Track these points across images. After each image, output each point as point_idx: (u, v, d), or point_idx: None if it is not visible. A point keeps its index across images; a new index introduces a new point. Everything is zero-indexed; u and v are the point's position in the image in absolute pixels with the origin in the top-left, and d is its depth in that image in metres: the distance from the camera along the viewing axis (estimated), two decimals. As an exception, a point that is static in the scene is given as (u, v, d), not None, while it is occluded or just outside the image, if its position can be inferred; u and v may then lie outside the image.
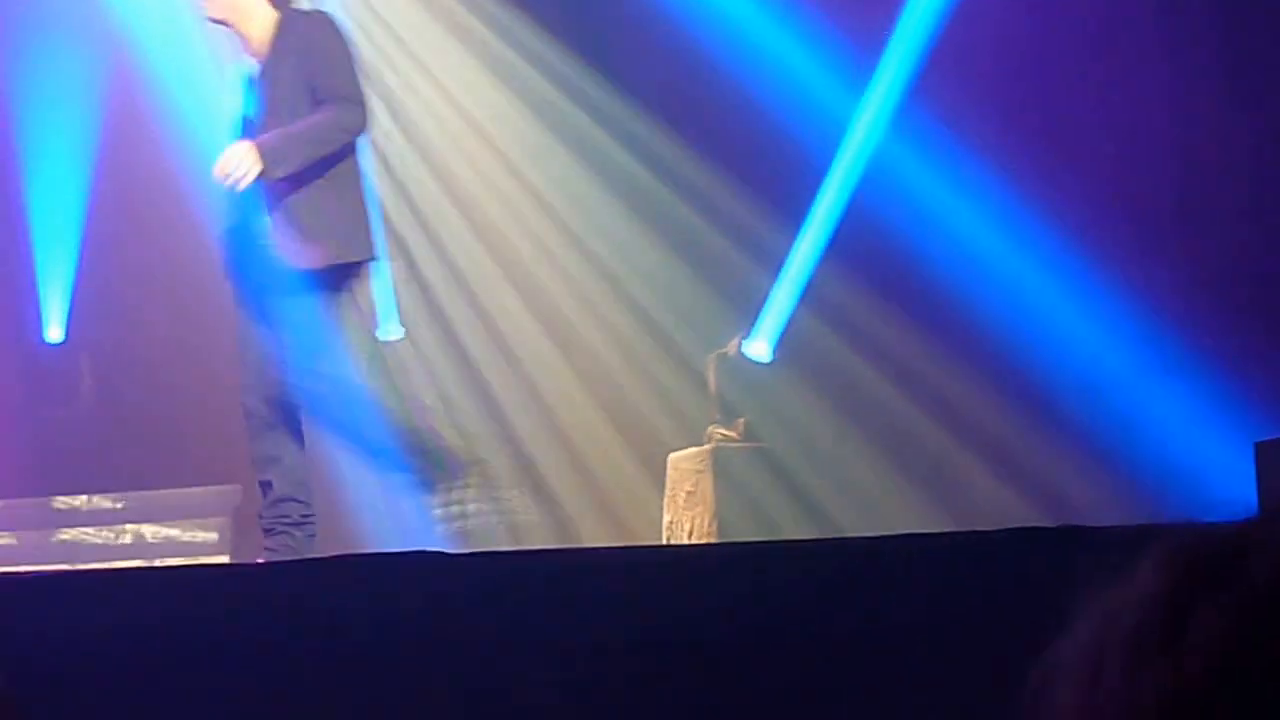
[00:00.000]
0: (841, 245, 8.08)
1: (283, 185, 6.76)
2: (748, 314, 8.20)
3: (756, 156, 8.16)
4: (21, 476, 8.27)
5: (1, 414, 8.54)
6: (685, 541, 7.41)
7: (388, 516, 7.50)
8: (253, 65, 6.86)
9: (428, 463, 6.79)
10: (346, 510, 7.78)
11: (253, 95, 6.90)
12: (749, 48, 8.22)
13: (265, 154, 6.66)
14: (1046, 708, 0.98)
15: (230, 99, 7.05)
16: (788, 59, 8.18)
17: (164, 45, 8.52)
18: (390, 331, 8.53)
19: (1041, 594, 1.49)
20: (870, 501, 7.89)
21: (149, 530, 8.37)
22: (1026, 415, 7.84)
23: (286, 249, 6.82)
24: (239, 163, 6.68)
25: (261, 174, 6.68)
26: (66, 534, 8.20)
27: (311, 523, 6.63)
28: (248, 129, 6.84)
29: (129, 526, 8.38)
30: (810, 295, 8.16)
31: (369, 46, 8.58)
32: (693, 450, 7.75)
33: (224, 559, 8.17)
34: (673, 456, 7.78)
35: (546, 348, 8.61)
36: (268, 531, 6.60)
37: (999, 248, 7.94)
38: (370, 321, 8.27)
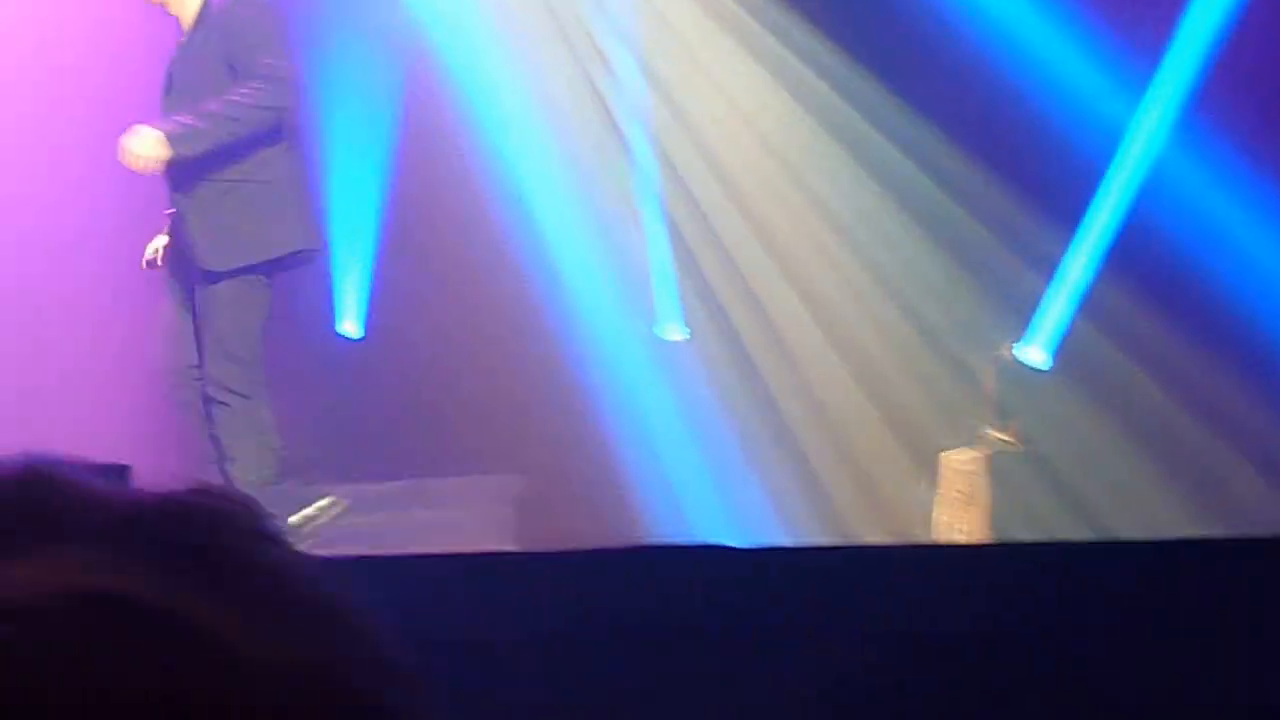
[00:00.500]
0: (1120, 252, 8.04)
1: (192, 174, 6.33)
2: (1019, 318, 8.19)
3: (1030, 159, 8.14)
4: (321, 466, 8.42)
5: (300, 406, 8.74)
6: (958, 540, 7.45)
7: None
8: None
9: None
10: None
11: (172, 76, 6.50)
12: (1024, 47, 8.20)
13: (172, 137, 6.24)
14: None
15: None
16: (1064, 60, 8.16)
17: (463, 47, 8.61)
18: (673, 332, 8.63)
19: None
20: (1145, 508, 7.85)
21: (429, 516, 8.49)
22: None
23: (195, 247, 6.40)
24: (139, 148, 6.27)
25: (171, 158, 6.28)
26: (360, 520, 8.37)
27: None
28: (164, 111, 6.41)
29: (413, 512, 8.50)
30: (1086, 301, 8.13)
31: (650, 46, 8.71)
32: (966, 450, 7.77)
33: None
34: (945, 455, 7.79)
35: (821, 346, 8.66)
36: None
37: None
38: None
